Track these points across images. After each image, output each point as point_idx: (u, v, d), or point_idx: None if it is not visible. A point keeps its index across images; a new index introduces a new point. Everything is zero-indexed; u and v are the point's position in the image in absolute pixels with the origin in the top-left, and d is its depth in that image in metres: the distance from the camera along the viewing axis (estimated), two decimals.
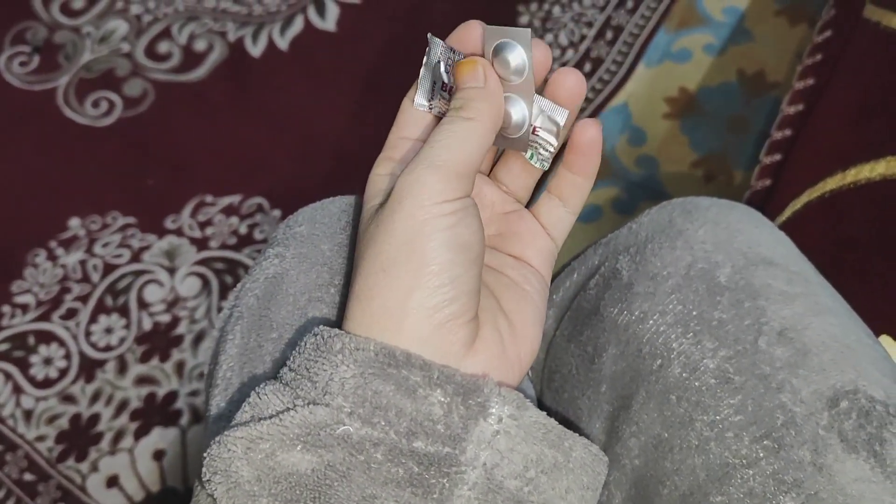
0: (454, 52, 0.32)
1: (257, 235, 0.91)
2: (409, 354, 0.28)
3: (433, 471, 0.27)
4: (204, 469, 0.27)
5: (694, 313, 0.34)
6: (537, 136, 0.33)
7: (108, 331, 0.86)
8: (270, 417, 0.27)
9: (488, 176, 0.37)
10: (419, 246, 0.28)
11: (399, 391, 0.28)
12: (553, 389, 0.39)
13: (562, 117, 0.32)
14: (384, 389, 0.27)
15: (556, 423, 0.30)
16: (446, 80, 0.33)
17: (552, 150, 0.33)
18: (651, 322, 0.35)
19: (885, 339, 0.45)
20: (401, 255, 0.29)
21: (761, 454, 0.30)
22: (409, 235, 0.29)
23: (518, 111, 0.32)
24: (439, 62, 0.32)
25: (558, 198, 0.35)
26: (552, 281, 0.42)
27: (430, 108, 0.33)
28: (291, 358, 0.29)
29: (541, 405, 0.41)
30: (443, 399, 0.28)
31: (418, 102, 0.33)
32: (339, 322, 0.35)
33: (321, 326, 0.29)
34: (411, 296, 0.28)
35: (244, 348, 0.35)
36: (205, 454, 0.27)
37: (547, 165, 0.34)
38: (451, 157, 0.29)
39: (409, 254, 0.28)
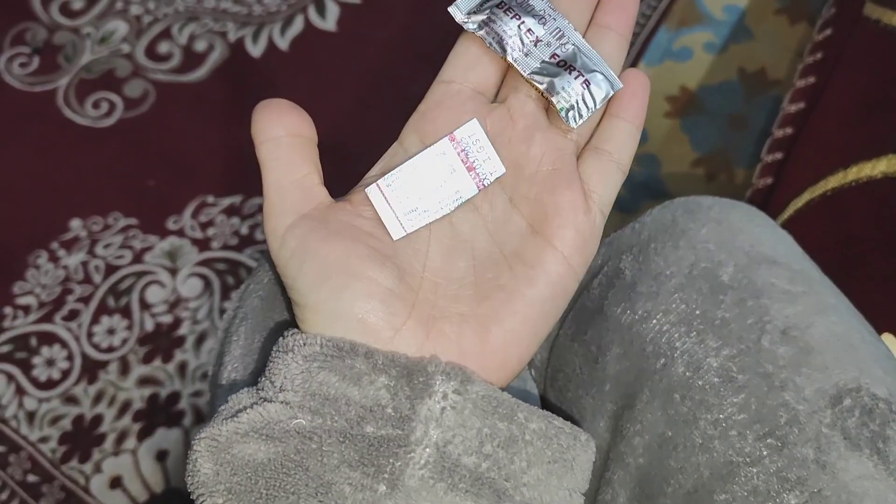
0: None
1: (259, 236, 0.91)
2: (353, 344, 0.28)
3: (383, 450, 0.28)
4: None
5: (697, 312, 0.34)
6: (586, 88, 0.30)
7: (111, 332, 0.86)
8: (232, 416, 0.28)
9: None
10: (294, 295, 0.30)
11: (344, 380, 0.28)
12: (557, 389, 0.40)
13: (615, 86, 0.31)
14: (330, 380, 0.28)
15: (509, 396, 0.29)
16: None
17: (593, 107, 0.31)
18: (654, 321, 0.35)
19: (887, 337, 0.45)
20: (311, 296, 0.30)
21: (765, 452, 0.30)
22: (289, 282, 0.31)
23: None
24: None
25: (607, 151, 0.31)
26: None
27: (466, 22, 0.31)
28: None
29: (545, 404, 0.41)
30: (388, 382, 0.28)
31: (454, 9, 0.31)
32: None
33: (288, 329, 0.30)
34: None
35: (248, 349, 0.35)
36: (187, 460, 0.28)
37: (576, 125, 0.31)
38: (266, 197, 0.31)
39: (311, 297, 0.30)
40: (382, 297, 0.29)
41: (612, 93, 0.31)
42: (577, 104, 0.31)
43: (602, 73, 0.31)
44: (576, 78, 0.31)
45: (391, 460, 0.28)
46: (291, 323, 0.35)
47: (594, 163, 0.32)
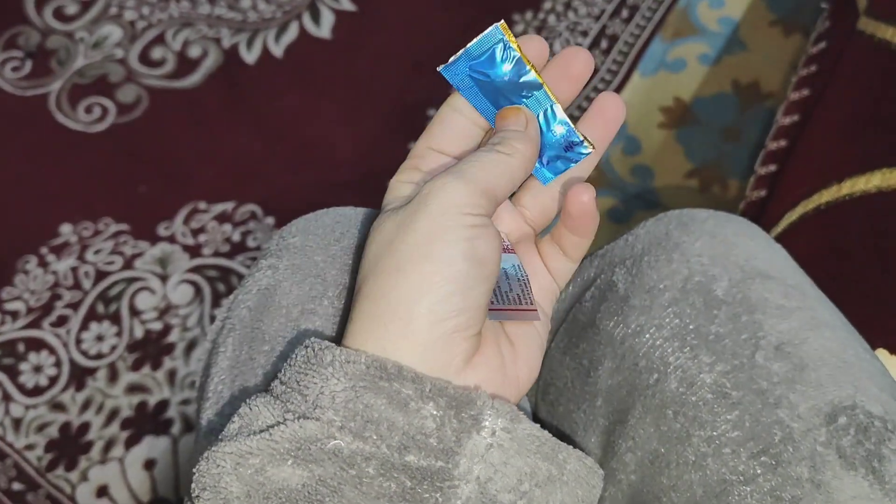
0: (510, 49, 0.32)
1: (250, 243, 0.91)
2: (400, 367, 0.28)
3: (426, 485, 0.27)
4: (193, 485, 0.27)
5: (691, 327, 0.34)
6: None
7: (100, 338, 0.86)
8: (260, 432, 0.27)
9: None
10: (437, 249, 0.28)
11: (391, 404, 0.27)
12: (548, 402, 0.39)
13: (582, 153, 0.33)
14: (375, 403, 0.27)
15: (550, 435, 0.30)
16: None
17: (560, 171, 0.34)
18: (647, 336, 0.34)
19: (881, 353, 0.45)
20: (417, 255, 0.28)
21: (759, 471, 0.30)
22: (428, 237, 0.28)
23: None
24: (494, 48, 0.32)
25: (559, 248, 0.35)
26: None
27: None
28: (283, 370, 0.29)
29: (535, 418, 0.41)
30: (435, 412, 0.27)
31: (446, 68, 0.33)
32: (333, 334, 0.35)
33: (312, 339, 0.29)
34: (422, 299, 0.28)
35: (236, 361, 0.35)
36: (194, 470, 0.27)
37: (547, 183, 0.34)
38: (482, 176, 0.30)
39: (425, 255, 0.28)
40: (488, 301, 0.30)
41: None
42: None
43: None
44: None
45: (434, 494, 0.27)
46: (284, 335, 0.34)
47: (549, 250, 0.35)
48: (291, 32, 1.05)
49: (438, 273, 0.28)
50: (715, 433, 0.31)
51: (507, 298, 0.31)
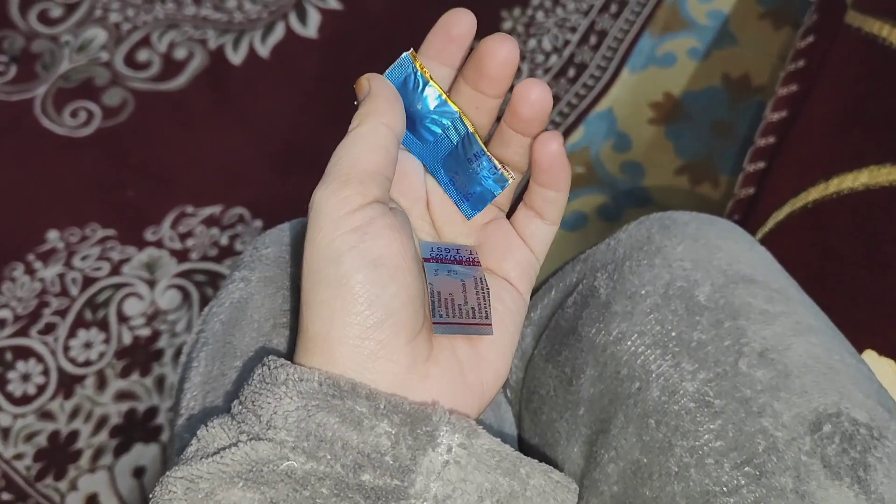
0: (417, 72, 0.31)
1: (238, 247, 0.90)
2: (354, 384, 0.27)
3: (381, 503, 0.26)
4: None
5: (673, 334, 0.33)
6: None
7: (88, 345, 0.85)
8: (213, 454, 0.26)
9: None
10: (330, 271, 0.27)
11: (344, 423, 0.26)
12: (531, 411, 0.38)
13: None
14: (328, 422, 0.26)
15: (511, 450, 0.29)
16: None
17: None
18: (629, 343, 0.34)
19: (869, 354, 0.44)
20: (315, 284, 0.27)
21: (742, 481, 0.29)
22: (318, 262, 0.27)
23: None
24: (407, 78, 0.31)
25: (534, 211, 0.33)
26: (531, 297, 0.41)
27: None
28: (241, 389, 0.28)
29: (519, 427, 0.40)
30: (390, 430, 0.27)
31: None
32: None
33: (270, 356, 0.28)
34: (332, 326, 0.27)
35: (208, 377, 0.34)
36: (150, 495, 0.26)
37: (470, 218, 0.34)
38: (342, 167, 0.28)
39: (321, 281, 0.27)
40: (418, 297, 0.28)
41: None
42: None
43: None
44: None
45: None
46: (255, 350, 0.34)
47: (524, 219, 0.34)
48: (278, 32, 1.04)
49: (337, 297, 0.27)
50: (697, 443, 0.31)
51: (459, 311, 0.30)
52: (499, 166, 0.32)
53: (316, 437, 0.26)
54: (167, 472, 0.26)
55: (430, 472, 0.27)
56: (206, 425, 0.28)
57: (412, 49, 0.31)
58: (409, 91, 0.31)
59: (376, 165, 0.29)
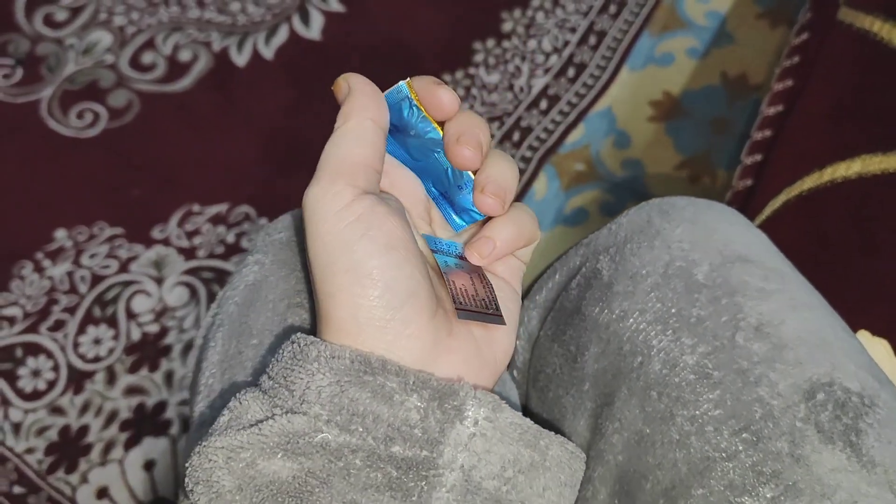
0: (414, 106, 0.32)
1: (245, 244, 0.91)
2: (384, 361, 0.28)
3: (411, 474, 0.28)
4: (187, 479, 0.27)
5: (672, 311, 0.35)
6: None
7: (97, 342, 0.86)
8: (250, 426, 0.28)
9: None
10: (344, 260, 0.28)
11: (375, 398, 0.28)
12: (538, 389, 0.40)
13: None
14: (360, 396, 0.28)
15: (532, 423, 0.30)
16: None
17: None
18: (631, 320, 0.35)
19: (863, 334, 0.46)
20: (331, 275, 0.28)
21: (740, 447, 0.31)
22: (328, 254, 0.28)
23: None
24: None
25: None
26: (536, 281, 0.43)
27: None
28: (270, 365, 0.29)
29: (526, 405, 0.41)
30: (419, 404, 0.28)
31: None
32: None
33: (298, 334, 0.29)
34: (358, 311, 0.28)
35: (225, 355, 0.36)
36: (187, 464, 0.28)
37: (458, 230, 0.35)
38: (332, 163, 0.29)
39: (336, 272, 0.28)
40: (429, 276, 0.30)
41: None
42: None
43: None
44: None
45: (420, 483, 0.28)
46: (271, 329, 0.35)
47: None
48: (281, 35, 1.06)
49: (355, 283, 0.28)
50: (698, 412, 0.32)
51: (474, 301, 0.31)
52: None
53: (348, 411, 0.28)
54: (204, 442, 0.27)
55: (457, 443, 0.28)
56: (238, 398, 0.29)
57: (409, 78, 0.32)
58: (403, 116, 0.32)
59: (365, 159, 0.30)
